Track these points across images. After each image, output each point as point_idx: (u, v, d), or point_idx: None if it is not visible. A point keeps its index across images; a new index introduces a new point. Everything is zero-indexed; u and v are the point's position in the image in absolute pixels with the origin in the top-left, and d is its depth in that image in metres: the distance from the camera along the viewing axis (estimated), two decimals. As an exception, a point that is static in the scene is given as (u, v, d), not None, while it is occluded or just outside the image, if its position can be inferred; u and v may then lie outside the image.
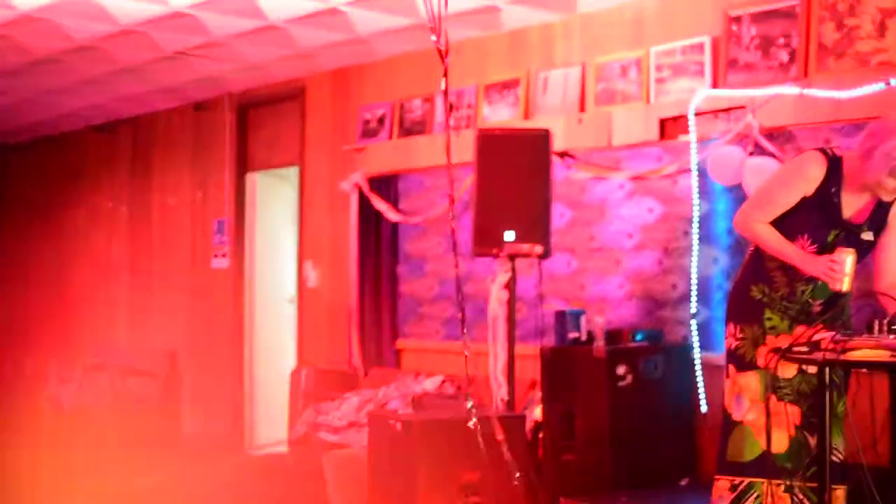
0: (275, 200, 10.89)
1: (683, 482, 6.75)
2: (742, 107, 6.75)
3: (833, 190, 4.80)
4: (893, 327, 4.29)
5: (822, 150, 4.88)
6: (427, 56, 7.57)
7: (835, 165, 4.80)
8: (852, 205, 4.82)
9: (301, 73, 9.94)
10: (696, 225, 6.87)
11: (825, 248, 4.74)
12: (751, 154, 6.66)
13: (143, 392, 10.76)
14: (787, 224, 4.86)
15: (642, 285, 7.46)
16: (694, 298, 6.85)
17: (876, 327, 4.36)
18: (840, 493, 4.86)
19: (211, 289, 11.02)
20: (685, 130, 6.96)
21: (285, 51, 9.14)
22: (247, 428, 10.55)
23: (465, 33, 8.34)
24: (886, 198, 4.74)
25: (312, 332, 10.01)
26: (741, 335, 5.08)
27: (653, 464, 6.67)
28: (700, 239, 6.87)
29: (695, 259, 6.88)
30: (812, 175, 4.81)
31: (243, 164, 10.89)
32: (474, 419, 5.67)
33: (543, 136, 7.00)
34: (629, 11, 7.63)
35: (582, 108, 7.77)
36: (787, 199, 4.86)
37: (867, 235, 4.83)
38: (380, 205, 9.06)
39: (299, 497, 7.22)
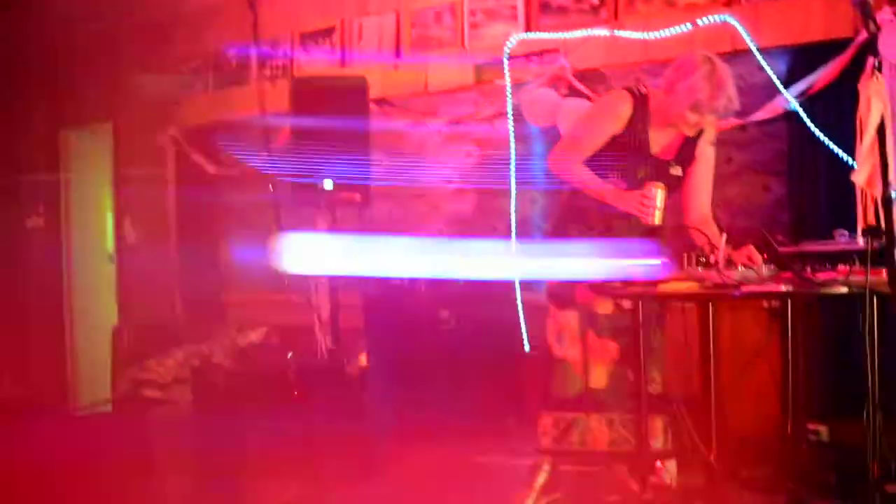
0: (90, 156, 10.62)
1: (509, 421, 6.85)
2: (555, 50, 6.83)
3: (640, 127, 4.86)
4: (701, 259, 4.40)
5: (629, 89, 4.94)
6: (241, 5, 7.49)
7: (641, 103, 4.86)
8: (660, 141, 4.89)
9: (114, 24, 9.68)
10: (512, 167, 6.92)
11: (635, 185, 4.79)
12: (565, 96, 6.75)
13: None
14: (598, 163, 4.90)
15: (462, 229, 7.51)
16: (514, 240, 6.90)
17: (685, 260, 4.47)
18: (658, 423, 4.99)
19: (27, 249, 10.72)
20: (500, 75, 7.00)
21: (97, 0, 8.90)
22: (69, 388, 10.34)
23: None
24: (689, 132, 4.82)
25: (134, 289, 9.83)
26: (560, 274, 5.15)
27: (478, 404, 6.72)
28: (517, 181, 6.91)
29: (513, 201, 6.93)
30: (619, 113, 4.86)
31: (57, 120, 10.59)
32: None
33: (360, 83, 6.95)
34: (442, -43, 7.63)
35: (398, 55, 7.75)
36: (597, 139, 4.90)
37: (675, 171, 4.92)
38: (197, 157, 8.92)
39: (125, 456, 7.11)
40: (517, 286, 6.85)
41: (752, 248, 4.43)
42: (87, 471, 6.45)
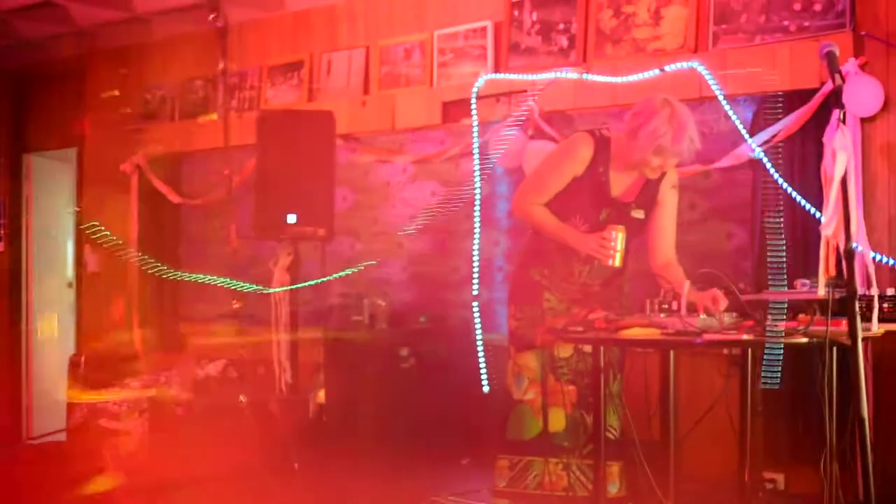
0: (53, 182, 10.55)
1: (464, 461, 6.82)
2: (523, 91, 6.84)
3: (601, 170, 4.88)
4: (665, 306, 4.39)
5: (590, 132, 4.96)
6: (209, 36, 7.46)
7: (602, 145, 4.88)
8: (621, 184, 4.92)
9: (81, 51, 9.64)
10: (477, 208, 6.90)
11: (597, 228, 4.81)
12: (531, 137, 6.76)
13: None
14: (560, 205, 4.92)
15: (425, 268, 7.49)
16: (476, 280, 6.87)
17: (648, 306, 4.46)
18: (615, 468, 4.98)
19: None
20: (467, 114, 7.00)
21: (64, 28, 8.85)
22: (24, 416, 10.21)
23: (247, 14, 8.23)
24: (651, 176, 4.84)
25: (93, 317, 9.74)
26: (521, 316, 5.15)
27: (435, 444, 6.69)
28: (481, 222, 6.89)
29: (476, 241, 6.90)
30: (580, 156, 4.88)
31: (19, 145, 10.52)
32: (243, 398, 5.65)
33: (327, 118, 6.94)
34: (413, -5, 7.65)
35: (366, 91, 7.75)
36: (559, 181, 4.93)
37: (637, 214, 4.93)
38: (161, 186, 8.88)
39: (78, 485, 7.04)
40: (478, 326, 6.81)
41: (717, 290, 4.44)
42: (37, 500, 6.39)
